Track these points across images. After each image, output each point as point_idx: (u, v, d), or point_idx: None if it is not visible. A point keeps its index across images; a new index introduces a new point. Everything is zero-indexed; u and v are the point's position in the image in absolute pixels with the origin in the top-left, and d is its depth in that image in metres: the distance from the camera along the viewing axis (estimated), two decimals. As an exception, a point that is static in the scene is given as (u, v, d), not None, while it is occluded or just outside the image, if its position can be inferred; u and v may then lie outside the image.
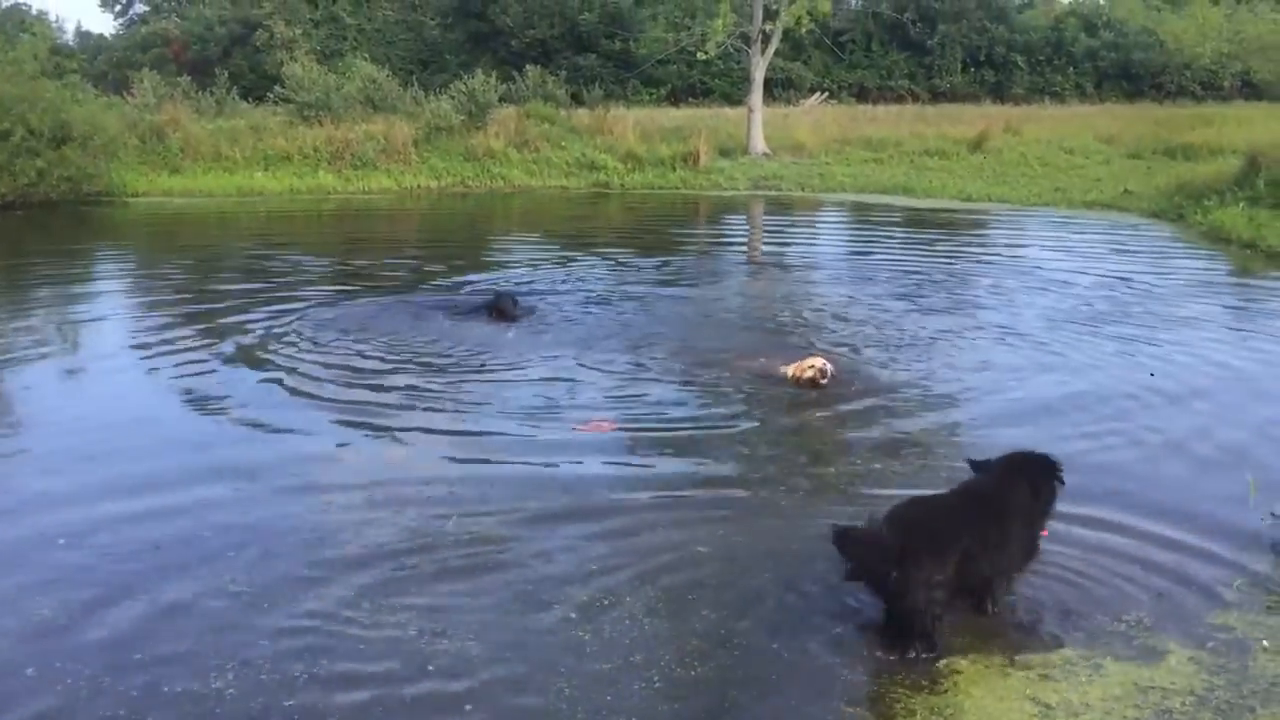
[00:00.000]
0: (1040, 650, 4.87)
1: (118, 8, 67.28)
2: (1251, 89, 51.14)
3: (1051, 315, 11.80)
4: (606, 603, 5.26)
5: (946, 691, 4.50)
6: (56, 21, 54.94)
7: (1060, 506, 5.58)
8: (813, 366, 8.78)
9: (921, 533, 4.84)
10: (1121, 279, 13.97)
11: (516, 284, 13.87)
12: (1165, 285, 13.60)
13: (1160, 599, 5.33)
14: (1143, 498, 6.58)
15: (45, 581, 5.50)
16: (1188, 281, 14.01)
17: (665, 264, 15.87)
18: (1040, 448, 5.63)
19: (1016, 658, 4.80)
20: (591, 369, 9.59)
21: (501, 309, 11.46)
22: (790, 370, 8.90)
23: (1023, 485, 5.26)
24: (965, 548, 4.89)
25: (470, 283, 14.21)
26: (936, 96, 53.41)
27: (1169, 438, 7.74)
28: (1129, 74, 54.88)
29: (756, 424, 8.13)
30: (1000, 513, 5.11)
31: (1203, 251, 16.61)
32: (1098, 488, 6.64)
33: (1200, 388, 9.04)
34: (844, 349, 10.31)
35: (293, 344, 10.57)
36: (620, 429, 7.92)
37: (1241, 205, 18.29)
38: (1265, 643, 4.88)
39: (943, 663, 4.73)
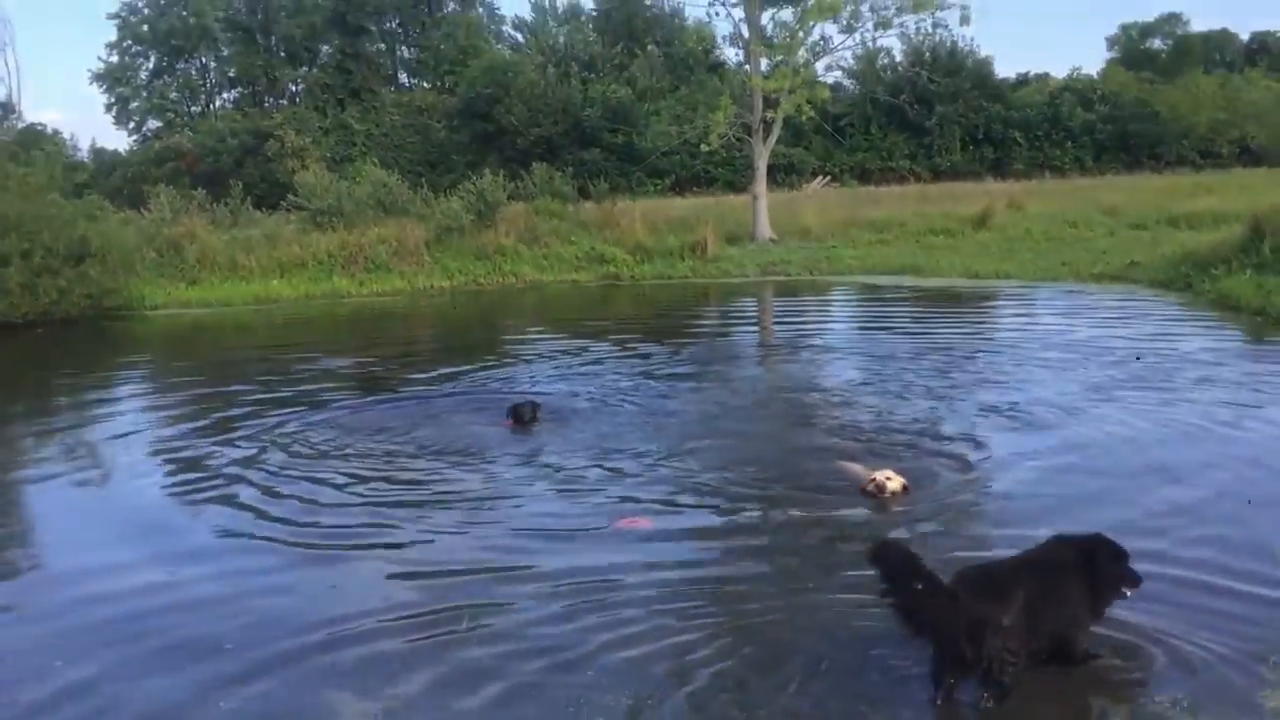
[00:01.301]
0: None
1: (131, 124, 69.13)
2: (1250, 155, 51.74)
3: (1078, 389, 11.82)
4: (632, 703, 5.27)
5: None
6: (71, 139, 56.23)
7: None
8: (873, 480, 8.34)
9: (982, 583, 5.23)
10: (1138, 350, 14.01)
11: (533, 380, 14.04)
12: (1181, 354, 13.66)
13: (1197, 675, 5.31)
14: (1174, 569, 6.55)
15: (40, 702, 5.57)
16: (1202, 350, 14.06)
17: (680, 353, 16.03)
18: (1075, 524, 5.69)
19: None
20: (621, 465, 9.61)
21: (520, 416, 11.26)
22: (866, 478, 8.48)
23: (1067, 550, 5.53)
24: (1026, 598, 5.13)
25: (485, 379, 14.40)
26: (938, 175, 54.17)
27: (1198, 511, 7.72)
28: (1127, 145, 55.64)
29: (791, 519, 8.11)
30: (1050, 571, 5.39)
31: (1212, 320, 16.68)
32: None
33: (1229, 456, 9.07)
34: (879, 433, 10.43)
35: (310, 448, 10.69)
36: (656, 526, 7.94)
37: (1249, 273, 18.38)
38: (1299, 717, 4.85)
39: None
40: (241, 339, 21.37)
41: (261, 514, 8.64)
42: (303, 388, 14.31)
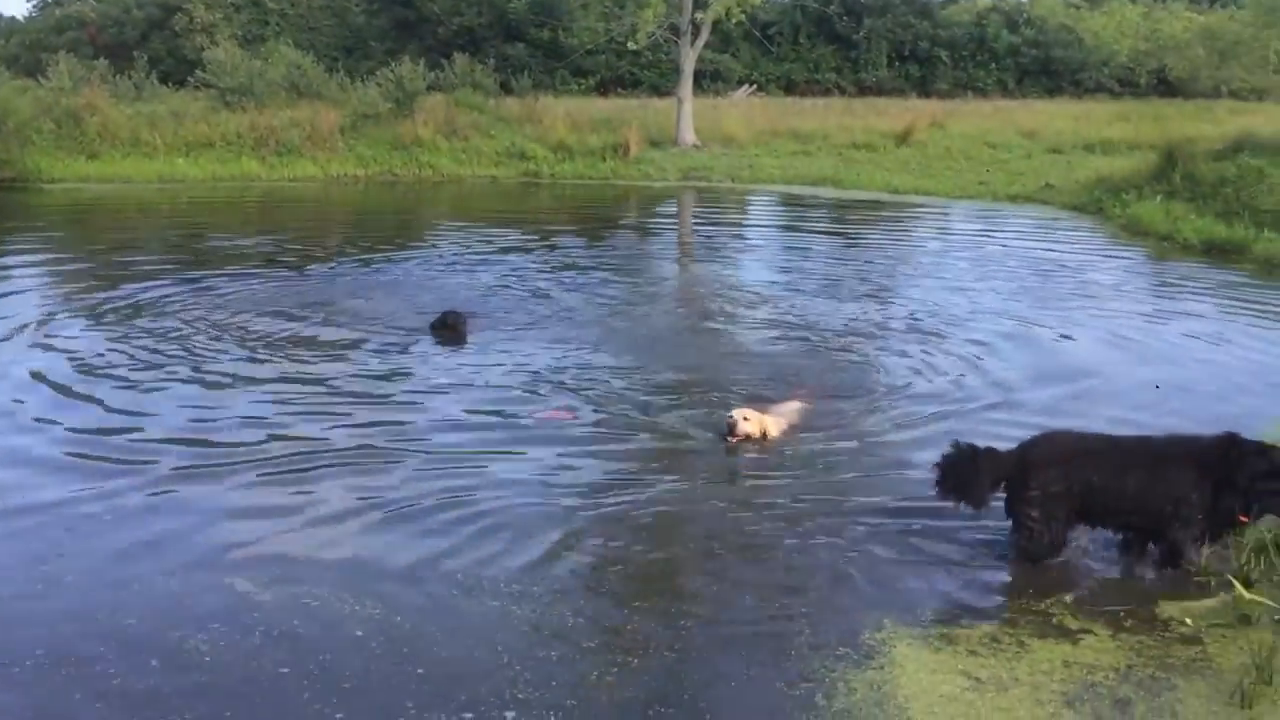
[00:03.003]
0: (969, 627, 4.97)
1: (31, -11, 65.43)
2: (1166, 86, 52.42)
3: (984, 304, 12.10)
4: (538, 591, 5.26)
5: (883, 667, 4.58)
6: (-36, 2, 53.17)
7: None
8: (730, 416, 7.48)
9: (1033, 451, 5.62)
10: (1047, 270, 14.33)
11: (444, 270, 13.85)
12: (1091, 273, 13.99)
13: (1081, 579, 5.48)
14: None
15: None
16: (1114, 270, 14.42)
17: (599, 252, 15.95)
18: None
19: (947, 633, 4.89)
20: (537, 362, 9.50)
21: (443, 324, 10.44)
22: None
23: (1204, 445, 5.56)
24: (1079, 474, 5.44)
25: (397, 266, 14.15)
26: (863, 90, 53.92)
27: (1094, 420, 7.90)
28: (1049, 70, 55.91)
29: (697, 416, 8.10)
30: (1145, 457, 5.56)
31: (1122, 244, 17.01)
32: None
33: (1122, 371, 9.32)
34: (798, 341, 10.53)
35: (205, 329, 10.50)
36: (577, 419, 7.90)
37: (1159, 199, 18.73)
38: (1188, 620, 5.02)
39: (878, 637, 4.82)
40: (142, 217, 20.62)
41: (142, 396, 8.45)
42: (203, 269, 13.92)
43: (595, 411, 8.09)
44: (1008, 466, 5.58)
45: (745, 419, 7.42)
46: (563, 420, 7.85)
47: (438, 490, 6.48)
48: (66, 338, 10.19)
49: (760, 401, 8.06)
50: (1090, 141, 30.30)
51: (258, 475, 6.73)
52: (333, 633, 4.84)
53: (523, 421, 7.85)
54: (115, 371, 9.02)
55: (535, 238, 17.16)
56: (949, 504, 5.68)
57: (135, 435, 7.47)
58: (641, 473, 6.90)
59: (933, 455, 5.87)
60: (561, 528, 5.96)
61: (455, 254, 15.57)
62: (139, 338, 10.12)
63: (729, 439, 7.38)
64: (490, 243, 16.68)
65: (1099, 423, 7.04)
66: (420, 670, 4.55)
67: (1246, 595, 5.02)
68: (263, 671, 4.53)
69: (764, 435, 7.40)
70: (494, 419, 7.92)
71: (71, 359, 9.39)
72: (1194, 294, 12.95)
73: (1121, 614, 5.10)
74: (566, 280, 13.53)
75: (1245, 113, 34.93)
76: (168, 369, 9.12)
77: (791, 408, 7.93)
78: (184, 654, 4.65)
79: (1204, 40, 50.11)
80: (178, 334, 10.29)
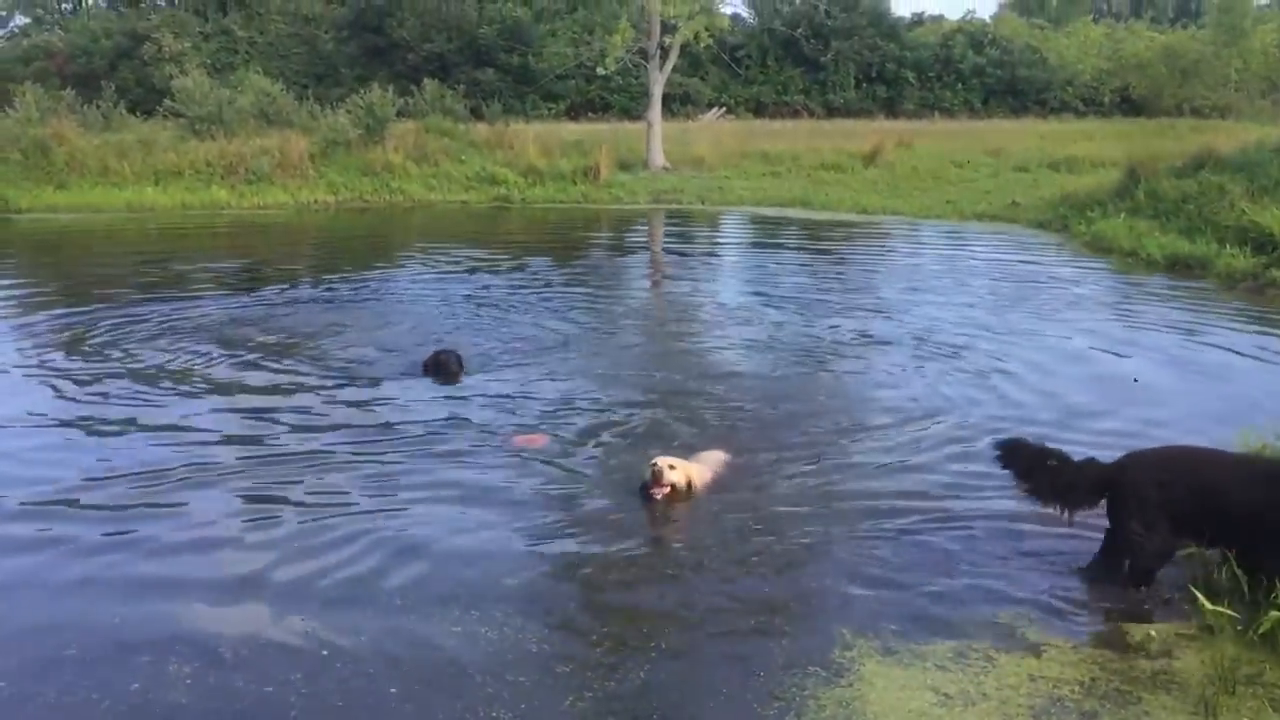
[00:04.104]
0: (936, 641, 5.01)
1: (-4, 20, 65.00)
2: (1129, 104, 53.23)
3: (959, 320, 12.20)
4: (500, 616, 5.28)
5: (853, 684, 4.63)
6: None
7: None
8: (652, 465, 6.73)
9: (1138, 458, 5.55)
10: (1018, 285, 14.49)
11: (412, 292, 13.84)
12: (1062, 289, 14.16)
13: (1040, 592, 5.53)
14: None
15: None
16: (1086, 285, 14.61)
17: (571, 274, 15.97)
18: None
19: (915, 648, 4.94)
20: (511, 386, 9.51)
21: (436, 364, 9.88)
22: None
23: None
24: (1190, 485, 5.30)
25: (370, 292, 14.12)
26: (831, 112, 54.47)
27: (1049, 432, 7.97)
28: (1014, 90, 56.65)
29: (672, 433, 8.14)
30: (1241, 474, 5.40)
31: (1086, 260, 17.19)
32: (985, 478, 6.76)
33: (1085, 394, 9.40)
34: (773, 357, 10.59)
35: (170, 353, 10.49)
36: (550, 444, 7.88)
37: (1123, 216, 18.95)
38: (1151, 632, 5.08)
39: (848, 654, 4.87)
40: (112, 246, 20.49)
41: (106, 427, 8.41)
42: (168, 298, 13.85)
43: (566, 438, 8.09)
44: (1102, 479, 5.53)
45: (671, 467, 6.71)
46: (535, 446, 7.85)
47: (394, 514, 6.50)
48: (25, 369, 10.16)
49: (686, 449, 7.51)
50: (1055, 160, 30.66)
51: (211, 497, 6.76)
52: (298, 655, 4.88)
53: (493, 447, 7.85)
54: (77, 402, 9.02)
55: (508, 260, 17.18)
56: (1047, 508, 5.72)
57: (88, 467, 7.43)
58: (606, 498, 6.90)
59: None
60: (525, 554, 5.98)
61: (427, 278, 15.56)
62: (101, 368, 10.07)
63: (651, 492, 6.66)
64: (460, 265, 16.70)
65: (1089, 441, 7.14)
66: (393, 689, 4.58)
67: (1209, 606, 5.09)
68: (247, 692, 4.57)
69: (689, 486, 6.77)
70: (462, 444, 7.92)
71: (33, 390, 9.39)
72: (1168, 307, 13.11)
73: (1084, 626, 5.18)
74: (540, 304, 13.53)
75: (1206, 130, 35.36)
76: (130, 397, 9.11)
77: (715, 457, 7.34)
78: (164, 676, 4.67)
79: (1166, 59, 51.15)
80: (142, 364, 10.24)
